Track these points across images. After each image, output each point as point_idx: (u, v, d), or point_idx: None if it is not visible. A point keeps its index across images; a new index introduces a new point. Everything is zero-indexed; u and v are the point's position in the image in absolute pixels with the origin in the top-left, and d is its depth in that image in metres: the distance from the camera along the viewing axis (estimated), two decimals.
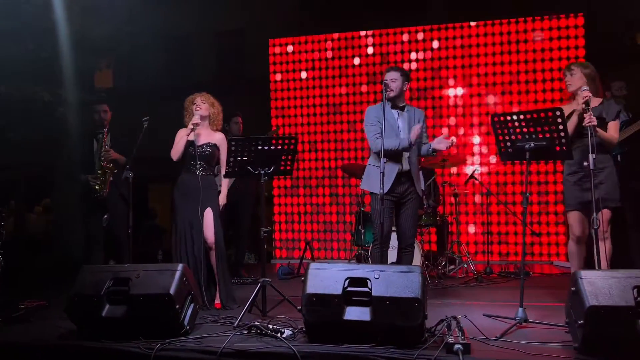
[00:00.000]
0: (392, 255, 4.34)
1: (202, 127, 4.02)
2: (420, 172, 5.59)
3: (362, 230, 5.36)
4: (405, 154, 3.90)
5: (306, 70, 7.03)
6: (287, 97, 7.05)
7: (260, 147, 3.50)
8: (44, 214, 8.85)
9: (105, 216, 4.56)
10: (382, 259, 3.73)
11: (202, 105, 3.99)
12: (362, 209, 5.42)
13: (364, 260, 5.22)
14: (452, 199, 5.70)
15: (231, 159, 3.53)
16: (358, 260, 5.43)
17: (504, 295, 4.30)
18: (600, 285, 2.53)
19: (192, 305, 3.12)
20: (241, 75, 8.68)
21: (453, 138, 3.79)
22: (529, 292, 4.26)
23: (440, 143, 3.79)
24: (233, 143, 3.49)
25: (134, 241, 4.81)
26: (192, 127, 3.87)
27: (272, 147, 3.51)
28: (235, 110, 5.66)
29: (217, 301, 3.88)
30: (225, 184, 4.00)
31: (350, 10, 7.09)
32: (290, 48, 7.07)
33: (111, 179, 4.67)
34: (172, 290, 2.93)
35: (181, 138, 3.94)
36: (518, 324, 3.15)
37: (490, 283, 5.02)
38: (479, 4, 6.64)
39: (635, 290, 2.48)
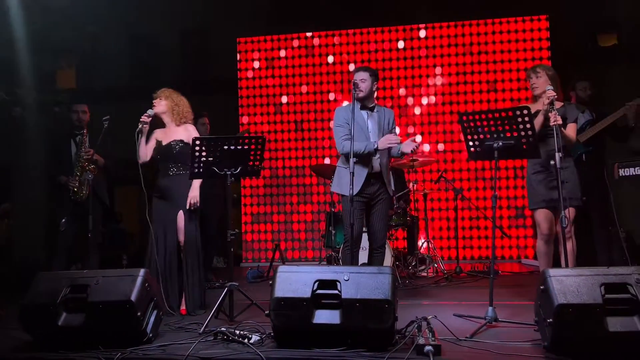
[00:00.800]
0: (364, 256, 4.30)
1: (167, 125, 3.89)
2: (391, 172, 5.63)
3: (333, 232, 5.30)
4: (375, 155, 3.87)
5: (272, 68, 6.95)
6: (254, 94, 6.95)
7: (226, 147, 3.39)
8: (2, 219, 8.46)
9: (64, 220, 4.36)
10: (352, 261, 3.67)
11: (157, 102, 3.85)
12: (333, 209, 5.36)
13: (335, 262, 5.17)
14: (422, 199, 5.70)
15: (196, 160, 3.41)
16: (329, 262, 5.37)
17: (474, 295, 4.31)
18: (569, 283, 2.53)
19: (155, 312, 3.00)
20: (208, 75, 8.53)
21: (417, 139, 3.77)
22: (498, 291, 4.27)
23: (408, 146, 3.77)
24: (197, 143, 3.37)
25: (97, 246, 4.63)
26: (140, 125, 3.70)
27: (239, 147, 3.41)
28: (203, 110, 5.53)
29: (183, 307, 3.74)
30: (196, 182, 3.83)
31: (320, 10, 7.03)
32: (257, 47, 6.98)
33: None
34: (133, 297, 2.80)
35: (142, 140, 3.80)
36: (488, 324, 3.14)
37: (460, 282, 5.03)
38: (445, 5, 6.69)
39: (602, 287, 2.49)
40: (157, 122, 3.94)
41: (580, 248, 5.01)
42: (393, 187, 5.40)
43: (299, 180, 6.79)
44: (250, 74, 6.98)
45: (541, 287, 2.63)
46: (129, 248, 8.12)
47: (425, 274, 5.39)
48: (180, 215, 3.78)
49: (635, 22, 8.71)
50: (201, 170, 3.44)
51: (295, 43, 6.96)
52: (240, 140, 3.42)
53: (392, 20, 6.86)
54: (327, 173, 5.48)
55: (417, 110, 6.73)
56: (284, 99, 6.92)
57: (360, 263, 4.64)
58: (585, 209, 4.84)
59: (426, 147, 6.53)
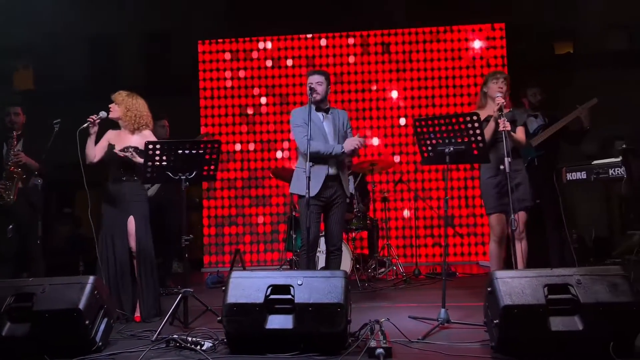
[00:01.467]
0: (323, 259, 4.33)
1: (122, 130, 3.81)
2: (351, 176, 5.68)
3: (294, 235, 5.30)
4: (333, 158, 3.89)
5: (235, 69, 6.91)
6: (217, 96, 6.89)
7: (180, 152, 3.35)
8: None
9: (11, 226, 4.22)
10: (308, 265, 3.68)
11: (112, 107, 3.76)
12: (294, 213, 5.36)
13: (296, 265, 5.17)
14: (382, 202, 5.77)
15: (149, 164, 3.35)
16: (291, 266, 5.37)
17: (430, 297, 4.37)
18: (514, 285, 2.60)
19: (105, 319, 2.93)
20: (169, 77, 8.43)
21: (360, 138, 3.80)
22: (454, 293, 4.39)
23: (350, 144, 3.80)
24: (150, 147, 3.32)
25: (53, 252, 4.48)
26: (86, 123, 3.56)
27: (194, 152, 3.37)
28: (163, 113, 5.46)
29: (137, 314, 3.67)
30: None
31: (281, 14, 7.05)
32: (218, 50, 6.92)
33: (20, 185, 4.34)
34: (81, 305, 2.73)
35: (100, 141, 3.72)
36: (440, 325, 3.20)
37: (419, 284, 5.11)
38: (405, 11, 6.80)
39: (546, 288, 2.57)
40: (114, 123, 3.85)
41: (534, 250, 5.19)
42: (352, 190, 5.49)
43: (258, 182, 6.75)
44: (207, 79, 6.90)
45: (488, 289, 2.70)
46: (88, 253, 7.92)
47: (384, 277, 5.44)
48: (131, 221, 3.70)
49: (590, 31, 9.10)
50: (155, 175, 3.39)
51: (257, 46, 6.93)
52: (195, 145, 3.38)
53: (350, 25, 6.93)
54: (287, 176, 5.46)
55: (375, 114, 6.81)
56: (246, 105, 6.88)
57: (320, 267, 4.68)
58: (538, 212, 5.01)
59: (375, 141, 6.68)
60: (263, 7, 6.84)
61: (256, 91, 6.90)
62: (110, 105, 3.76)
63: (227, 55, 6.93)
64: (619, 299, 2.50)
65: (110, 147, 3.71)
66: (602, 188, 6.57)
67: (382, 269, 5.57)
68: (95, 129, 3.60)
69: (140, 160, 3.55)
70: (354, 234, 5.46)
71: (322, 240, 4.33)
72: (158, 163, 3.34)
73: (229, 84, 6.91)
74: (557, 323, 2.51)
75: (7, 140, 4.51)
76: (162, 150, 3.34)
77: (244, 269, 5.61)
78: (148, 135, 3.78)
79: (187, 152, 3.35)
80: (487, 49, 6.86)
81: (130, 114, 3.71)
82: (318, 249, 4.47)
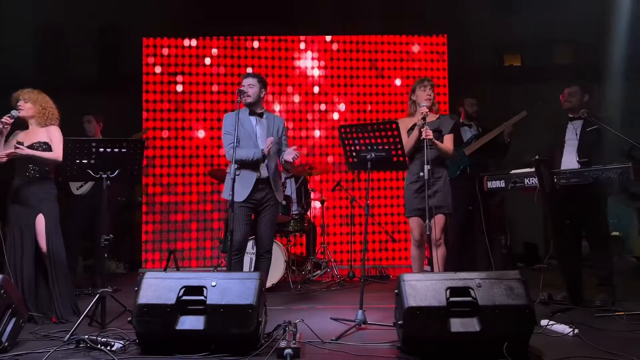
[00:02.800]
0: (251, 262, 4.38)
1: (31, 127, 3.73)
2: (292, 179, 5.73)
3: (230, 237, 5.29)
4: (264, 162, 3.93)
5: (180, 65, 6.83)
6: (160, 95, 6.79)
7: (102, 150, 3.31)
8: None
9: None
10: (231, 267, 3.70)
11: (23, 106, 3.68)
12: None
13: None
14: (320, 204, 5.85)
15: (68, 162, 3.29)
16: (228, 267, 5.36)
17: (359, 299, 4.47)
18: (419, 287, 2.70)
19: (13, 319, 2.86)
20: (114, 73, 8.27)
21: (296, 152, 3.86)
22: (383, 295, 4.50)
23: (288, 155, 3.86)
24: (70, 145, 3.26)
25: None
26: (0, 127, 3.52)
27: (116, 150, 3.33)
28: (99, 110, 5.37)
29: (54, 315, 3.59)
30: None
31: (231, 15, 7.03)
32: (165, 49, 6.83)
33: None
34: None
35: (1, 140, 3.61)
36: (357, 326, 3.29)
37: (352, 287, 5.20)
38: (353, 18, 6.92)
39: (448, 291, 2.68)
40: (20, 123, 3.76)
41: (465, 254, 5.39)
42: (291, 192, 5.54)
43: (199, 188, 6.69)
44: (151, 77, 6.79)
45: (396, 291, 2.79)
46: None
47: (319, 279, 5.52)
48: (40, 219, 3.62)
49: (537, 44, 9.49)
50: (74, 172, 3.33)
51: (198, 43, 6.89)
52: (118, 143, 3.34)
53: (293, 30, 6.98)
54: (224, 178, 5.47)
55: (310, 116, 6.89)
56: (187, 101, 6.81)
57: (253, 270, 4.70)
58: (469, 218, 5.21)
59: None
60: (213, 7, 6.81)
61: (201, 94, 6.84)
62: (19, 104, 3.67)
63: (171, 53, 6.84)
64: (514, 301, 2.65)
65: (20, 144, 3.61)
66: None
67: (318, 271, 5.64)
68: (7, 129, 3.54)
69: (30, 152, 3.55)
70: (291, 237, 5.52)
71: (253, 243, 4.36)
72: (78, 160, 3.29)
73: (172, 81, 6.82)
74: (457, 324, 2.63)
75: None
76: (82, 147, 3.29)
77: (178, 269, 5.56)
78: (53, 130, 3.73)
79: (108, 150, 3.31)
80: (430, 60, 7.07)
81: (45, 112, 3.69)
82: (251, 251, 4.51)
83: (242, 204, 3.90)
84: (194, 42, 6.88)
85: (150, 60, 6.81)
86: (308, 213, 5.77)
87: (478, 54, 9.15)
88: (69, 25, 8.02)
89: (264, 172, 3.97)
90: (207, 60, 6.86)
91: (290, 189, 5.62)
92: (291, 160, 3.84)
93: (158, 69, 6.79)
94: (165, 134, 6.71)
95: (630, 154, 7.62)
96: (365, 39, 7.02)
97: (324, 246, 5.71)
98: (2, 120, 3.48)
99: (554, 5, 7.74)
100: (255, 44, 6.94)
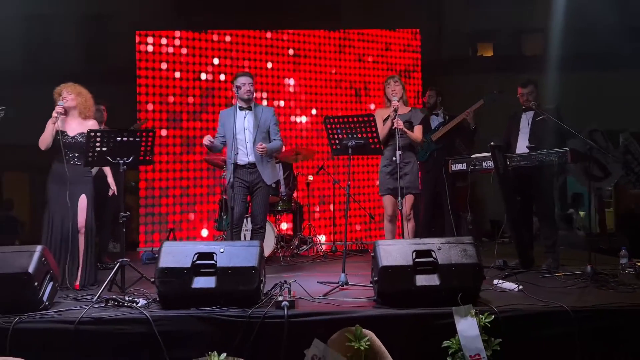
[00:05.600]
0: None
1: (72, 117, 4.23)
2: (280, 164, 6.29)
3: (225, 217, 5.85)
4: (250, 148, 4.50)
5: (170, 62, 7.27)
6: (153, 85, 7.21)
7: (119, 139, 3.82)
8: None
9: None
10: (233, 238, 4.29)
11: (67, 97, 4.19)
12: (224, 196, 5.90)
13: None
14: (305, 187, 6.44)
15: (90, 150, 3.81)
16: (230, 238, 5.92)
17: (340, 268, 5.07)
18: (391, 250, 3.32)
19: (51, 283, 3.39)
20: (107, 63, 8.60)
21: (262, 148, 4.45)
22: (361, 265, 5.12)
23: (257, 149, 4.49)
24: (92, 134, 3.78)
25: None
26: (56, 116, 4.06)
27: (131, 139, 3.85)
28: (99, 98, 5.80)
29: (78, 282, 4.13)
30: (108, 171, 4.29)
31: (223, 9, 7.47)
32: (158, 41, 7.22)
33: None
34: (30, 269, 3.18)
35: (47, 128, 4.11)
36: (340, 287, 3.90)
37: (334, 259, 5.81)
38: (329, 14, 7.45)
39: (414, 253, 3.30)
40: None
41: (433, 230, 6.04)
42: (279, 176, 6.11)
43: (195, 174, 7.20)
44: (145, 67, 7.21)
45: (372, 254, 3.41)
46: (21, 235, 8.04)
47: (305, 253, 6.13)
48: (83, 198, 4.18)
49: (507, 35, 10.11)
50: (96, 159, 3.85)
51: (189, 36, 7.32)
52: (132, 133, 3.86)
53: (274, 24, 7.44)
54: (219, 164, 6.00)
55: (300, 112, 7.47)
56: (179, 98, 7.27)
57: None
58: (437, 197, 5.87)
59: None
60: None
61: (192, 85, 7.30)
62: (64, 96, 4.18)
63: (166, 48, 7.24)
64: (467, 260, 3.28)
65: (62, 133, 4.11)
66: None
67: (304, 246, 6.25)
68: (59, 118, 4.07)
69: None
70: (279, 216, 6.11)
71: (247, 220, 4.94)
72: (99, 149, 3.80)
73: (166, 74, 7.25)
74: (422, 279, 3.25)
75: None
76: (103, 137, 3.81)
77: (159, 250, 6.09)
78: (93, 125, 4.28)
79: (125, 139, 3.83)
80: (403, 52, 7.67)
81: (85, 103, 4.25)
82: (244, 228, 5.09)
83: (238, 184, 4.48)
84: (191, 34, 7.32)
85: (142, 52, 7.20)
86: (294, 194, 6.35)
87: (451, 44, 9.77)
88: (58, 12, 8.19)
89: (251, 158, 4.55)
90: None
91: (279, 173, 6.19)
92: (259, 154, 4.47)
93: (150, 62, 7.20)
94: (158, 124, 7.16)
95: (592, 137, 8.45)
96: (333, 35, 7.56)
97: (309, 224, 6.31)
98: (57, 111, 4.02)
99: None
100: (239, 39, 7.41)
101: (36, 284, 3.21)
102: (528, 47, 10.94)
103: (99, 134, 3.81)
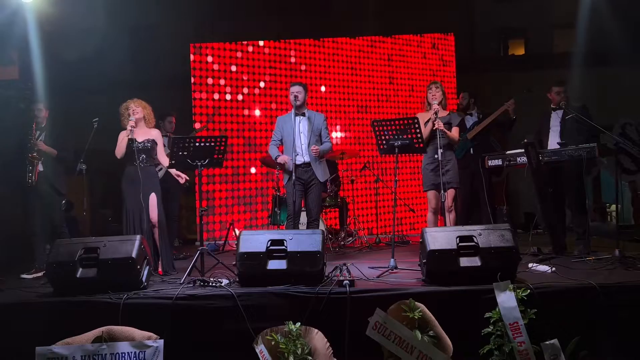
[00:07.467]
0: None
1: (140, 127, 4.87)
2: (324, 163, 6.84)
3: (278, 212, 6.44)
4: (305, 150, 5.06)
5: (224, 70, 7.92)
6: (206, 97, 7.88)
7: (197, 145, 4.45)
8: None
9: (63, 202, 5.22)
10: (294, 228, 4.87)
11: (137, 110, 4.84)
12: (278, 193, 6.49)
13: None
14: (351, 184, 6.98)
15: (174, 154, 4.44)
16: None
17: (386, 256, 5.47)
18: (438, 236, 3.82)
19: (147, 267, 4.03)
20: (158, 73, 9.19)
21: (315, 149, 5.04)
22: (405, 254, 5.61)
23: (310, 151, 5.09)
24: (175, 141, 4.42)
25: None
26: (131, 128, 4.70)
27: (207, 144, 4.47)
28: (165, 110, 6.50)
29: (160, 269, 4.77)
30: (173, 171, 4.88)
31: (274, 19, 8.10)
32: (209, 52, 7.88)
33: (40, 169, 5.21)
34: (134, 254, 3.82)
35: (122, 139, 4.77)
36: (390, 270, 4.41)
37: (379, 250, 6.32)
38: (360, 23, 7.97)
39: (457, 238, 3.79)
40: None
41: (472, 223, 6.45)
42: (327, 175, 6.67)
43: (246, 170, 7.83)
44: (198, 77, 7.85)
45: (421, 240, 3.91)
46: (79, 235, 8.81)
47: (351, 245, 6.66)
48: (153, 197, 4.80)
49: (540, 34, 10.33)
50: (179, 162, 4.49)
51: (249, 49, 7.95)
52: (208, 140, 4.48)
53: (318, 32, 8.01)
54: (272, 163, 6.58)
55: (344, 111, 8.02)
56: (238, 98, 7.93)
57: None
58: (474, 191, 6.31)
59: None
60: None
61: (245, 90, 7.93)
62: (131, 110, 4.82)
63: (218, 52, 7.88)
64: (505, 244, 3.75)
65: (133, 140, 4.75)
66: None
67: (350, 238, 6.79)
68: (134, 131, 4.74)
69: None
70: (327, 210, 6.67)
71: (304, 214, 5.51)
72: (180, 153, 4.43)
73: (218, 81, 7.90)
74: (465, 261, 3.74)
75: (28, 132, 5.30)
76: (184, 143, 4.44)
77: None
78: (156, 133, 4.96)
79: (202, 144, 4.45)
80: (440, 57, 8.13)
81: (149, 116, 4.93)
82: (301, 222, 5.66)
83: (295, 181, 5.04)
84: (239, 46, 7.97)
85: (196, 62, 7.85)
86: (340, 191, 6.89)
87: (485, 46, 10.13)
88: (108, 25, 8.72)
89: (306, 159, 5.11)
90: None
91: (322, 172, 6.74)
92: (313, 154, 5.03)
93: (203, 71, 7.87)
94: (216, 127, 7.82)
95: (624, 130, 8.72)
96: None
97: (354, 218, 6.84)
98: (130, 125, 4.68)
99: None
100: (296, 46, 8.01)
101: (138, 267, 3.84)
102: (559, 45, 11.17)
103: (181, 141, 4.44)
